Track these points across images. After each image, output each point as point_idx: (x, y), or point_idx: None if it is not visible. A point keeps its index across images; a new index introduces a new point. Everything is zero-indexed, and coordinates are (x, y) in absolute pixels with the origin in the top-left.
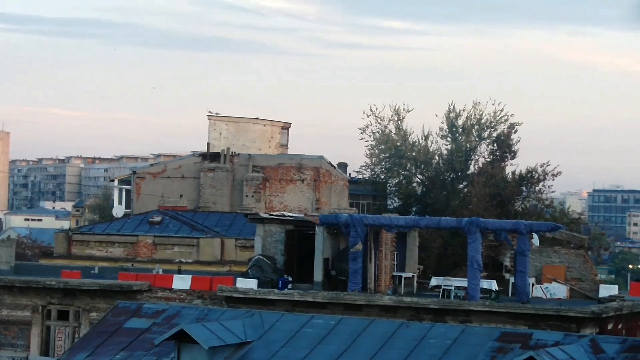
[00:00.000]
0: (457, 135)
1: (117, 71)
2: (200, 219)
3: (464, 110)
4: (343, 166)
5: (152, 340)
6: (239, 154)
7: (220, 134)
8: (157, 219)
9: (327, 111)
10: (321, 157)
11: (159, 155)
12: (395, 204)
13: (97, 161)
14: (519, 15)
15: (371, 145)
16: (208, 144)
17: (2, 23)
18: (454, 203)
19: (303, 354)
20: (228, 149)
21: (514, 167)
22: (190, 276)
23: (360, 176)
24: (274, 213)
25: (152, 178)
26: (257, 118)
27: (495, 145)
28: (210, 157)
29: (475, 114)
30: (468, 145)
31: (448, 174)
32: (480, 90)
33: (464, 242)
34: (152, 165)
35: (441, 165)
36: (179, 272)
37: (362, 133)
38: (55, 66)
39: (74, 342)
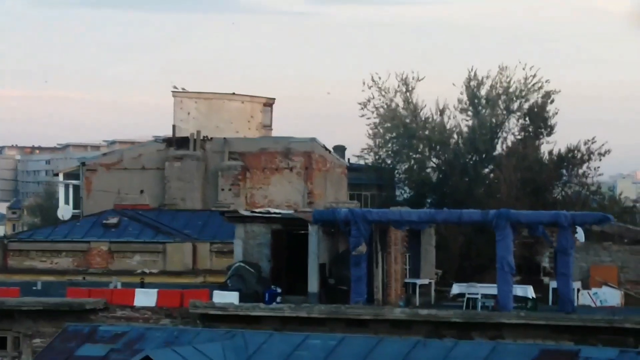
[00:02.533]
0: (480, 108)
1: (57, 38)
2: (167, 220)
3: (487, 77)
4: (340, 150)
5: None
6: (211, 138)
7: (189, 114)
8: (113, 220)
9: (318, 83)
10: (313, 140)
11: (113, 142)
12: (405, 195)
13: (37, 151)
14: None
15: (374, 123)
16: (174, 126)
17: None
18: (478, 192)
19: None
20: (198, 132)
21: (551, 145)
22: (155, 290)
23: (361, 162)
24: (257, 210)
25: (105, 170)
26: (234, 93)
27: (527, 119)
28: (177, 142)
29: (501, 82)
30: (494, 120)
31: (470, 156)
32: (507, 52)
33: (492, 240)
34: (105, 154)
35: (461, 145)
36: (142, 285)
37: (362, 109)
38: None
39: None
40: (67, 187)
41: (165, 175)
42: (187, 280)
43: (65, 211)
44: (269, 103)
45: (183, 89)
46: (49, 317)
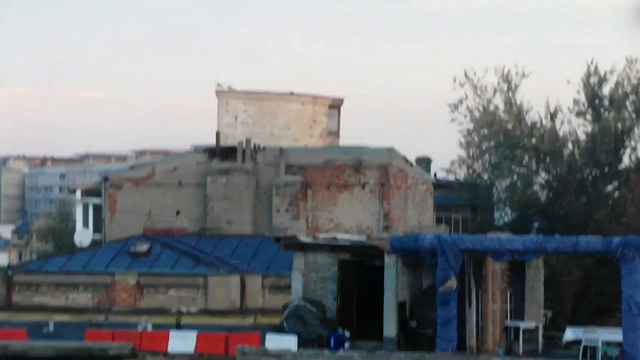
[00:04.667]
0: (602, 110)
1: (75, 27)
2: (209, 247)
3: (611, 73)
4: (425, 162)
5: None
6: (264, 147)
7: (236, 118)
8: (143, 248)
9: (396, 80)
10: (391, 150)
11: (142, 153)
12: (506, 218)
13: (49, 162)
14: None
15: (467, 129)
16: (217, 133)
17: None
18: (598, 215)
19: None
20: (248, 140)
21: None
22: (195, 333)
23: (451, 177)
24: (321, 236)
25: (133, 186)
26: (292, 93)
27: None
28: (222, 153)
29: (629, 78)
30: (619, 125)
31: (588, 170)
32: (637, 41)
33: (616, 275)
34: (132, 167)
35: (577, 157)
36: (178, 327)
37: (453, 111)
38: None
39: None
40: (85, 206)
41: (207, 193)
42: (233, 322)
43: (83, 236)
44: (335, 105)
45: (229, 87)
46: None
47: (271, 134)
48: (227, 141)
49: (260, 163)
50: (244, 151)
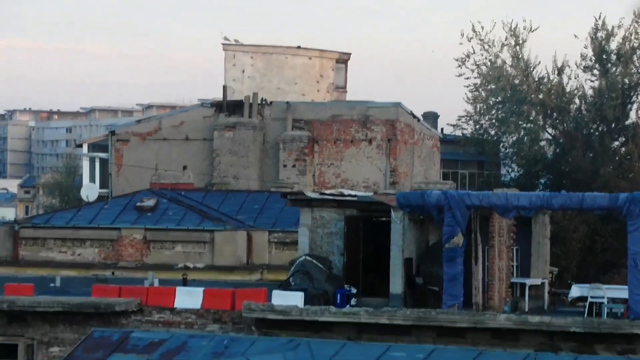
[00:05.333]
0: (610, 65)
1: None
2: (215, 202)
3: (619, 27)
4: (432, 117)
5: None
6: (271, 102)
7: (243, 72)
8: (150, 203)
9: (404, 34)
10: (398, 105)
11: (149, 107)
12: (513, 174)
13: (55, 116)
14: None
15: (474, 84)
16: (224, 87)
17: None
18: (605, 170)
19: None
20: (255, 94)
21: None
22: (201, 289)
23: (458, 132)
24: (328, 191)
25: (139, 141)
26: (299, 47)
27: None
28: (228, 107)
29: (637, 32)
30: (626, 80)
31: (595, 125)
32: None
33: (622, 231)
34: (139, 121)
35: (584, 112)
36: (185, 283)
37: (460, 66)
38: None
39: None
40: (92, 161)
41: (214, 148)
42: (240, 278)
43: (90, 191)
44: (342, 59)
45: (236, 40)
46: (70, 320)
47: (278, 89)
48: (234, 95)
49: (267, 117)
50: (250, 105)
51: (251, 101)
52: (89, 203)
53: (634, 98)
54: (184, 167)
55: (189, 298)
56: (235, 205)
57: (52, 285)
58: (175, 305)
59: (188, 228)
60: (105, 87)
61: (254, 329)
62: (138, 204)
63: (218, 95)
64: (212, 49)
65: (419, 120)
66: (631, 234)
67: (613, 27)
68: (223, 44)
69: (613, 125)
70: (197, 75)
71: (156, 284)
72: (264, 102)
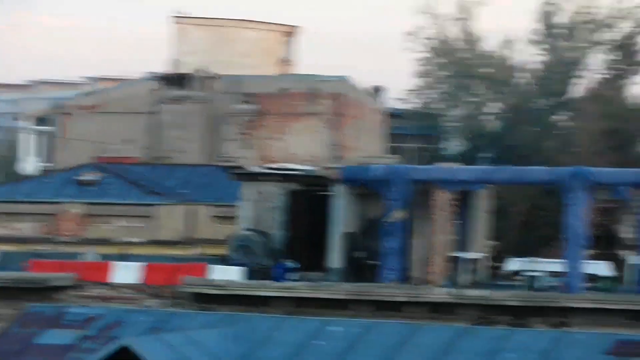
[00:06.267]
0: (557, 40)
1: None
2: (159, 177)
3: (567, 2)
4: (379, 92)
5: None
6: (219, 75)
7: (193, 45)
8: (91, 177)
9: (353, 7)
10: (344, 79)
11: (94, 80)
12: (459, 148)
13: None
14: None
15: (423, 58)
16: (174, 60)
17: None
18: (548, 145)
19: None
20: (203, 68)
21: None
22: (140, 264)
23: (405, 106)
24: (272, 165)
25: (84, 114)
26: (248, 20)
27: (614, 54)
28: (175, 80)
29: (584, 7)
30: (573, 55)
31: (541, 100)
32: None
33: (562, 205)
34: (84, 94)
35: (530, 86)
36: (124, 257)
37: (409, 40)
38: None
39: None
40: (35, 134)
41: (160, 122)
42: (180, 252)
43: (30, 164)
44: (290, 33)
45: (186, 14)
46: (6, 295)
47: (227, 62)
48: (183, 69)
49: (214, 91)
50: (198, 79)
51: (199, 74)
52: (30, 177)
53: (579, 73)
54: (129, 141)
55: (127, 273)
56: (179, 179)
57: None
58: (113, 280)
59: (129, 202)
60: (50, 59)
61: (192, 304)
62: (79, 178)
63: (166, 69)
64: (162, 22)
65: (365, 94)
66: (569, 208)
67: (560, 2)
68: (173, 17)
69: (558, 99)
70: (145, 48)
71: (96, 258)
72: (211, 76)
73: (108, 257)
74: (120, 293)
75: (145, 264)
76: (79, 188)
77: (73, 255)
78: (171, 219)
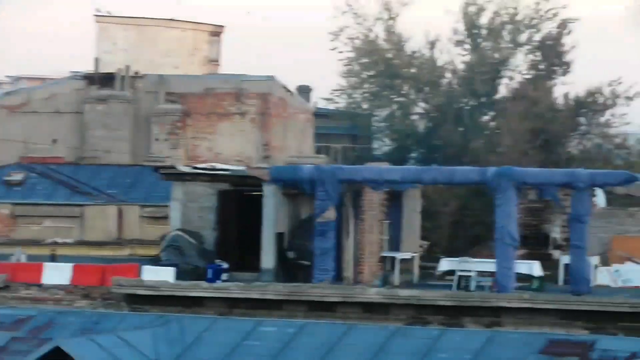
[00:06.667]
0: (480, 40)
1: None
2: (86, 177)
3: (489, 2)
4: (305, 91)
5: None
6: (144, 74)
7: (116, 44)
8: (17, 177)
9: (278, 7)
10: (271, 79)
11: (17, 79)
12: (386, 148)
13: None
14: None
15: (348, 58)
16: (96, 59)
17: None
18: (475, 144)
19: None
20: (128, 67)
21: (567, 87)
22: (70, 265)
23: (331, 106)
24: (200, 165)
25: (8, 114)
26: (172, 19)
27: (538, 54)
28: (100, 80)
29: (507, 8)
30: (497, 55)
31: (466, 100)
32: None
33: (491, 205)
34: (6, 93)
35: (455, 87)
36: (53, 258)
37: (334, 40)
38: None
39: None
40: None
41: (85, 121)
42: (110, 253)
43: None
44: (216, 32)
45: (108, 12)
46: None
47: (151, 61)
48: (106, 68)
49: (139, 91)
50: (123, 78)
51: (123, 74)
52: None
53: (503, 73)
54: (54, 141)
55: (57, 274)
56: (106, 179)
57: None
58: (43, 281)
59: (57, 203)
60: None
61: (123, 305)
62: (5, 178)
63: (90, 68)
64: (85, 21)
65: (292, 93)
66: (499, 208)
67: (484, 2)
68: (95, 16)
69: (483, 99)
70: (69, 47)
71: (24, 259)
72: (136, 75)
73: (37, 258)
74: (51, 294)
75: (75, 264)
76: (5, 188)
77: (2, 257)
78: (101, 220)
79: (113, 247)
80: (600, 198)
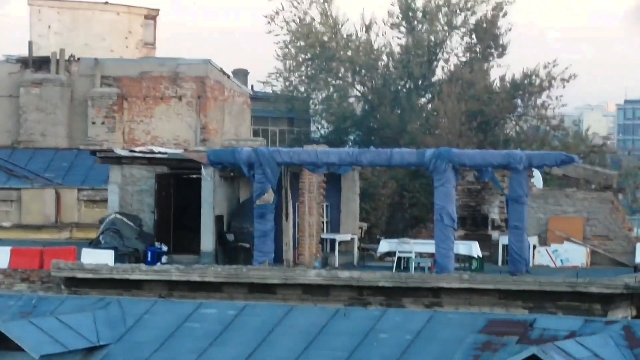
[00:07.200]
0: (416, 23)
1: None
2: (22, 160)
3: None
4: (242, 74)
5: None
6: (79, 58)
7: (49, 27)
8: None
9: None
10: (207, 62)
11: None
12: (323, 131)
13: None
14: None
15: (284, 41)
16: (30, 43)
17: None
18: (412, 127)
19: None
20: (62, 50)
21: (503, 69)
22: (8, 248)
23: (268, 89)
24: (138, 149)
25: None
26: (106, 2)
27: (473, 37)
28: (35, 63)
29: None
30: (432, 38)
31: (403, 82)
32: None
33: (429, 186)
34: None
35: (392, 69)
36: None
37: (269, 23)
38: None
39: None
40: None
41: (20, 105)
42: (48, 236)
43: None
44: (151, 15)
45: None
46: None
47: (86, 45)
48: (40, 51)
49: (74, 74)
50: (57, 62)
51: (58, 57)
52: None
53: (439, 55)
54: None
55: None
56: (43, 163)
57: None
58: None
59: None
60: None
61: (63, 288)
62: None
63: (24, 52)
64: (18, 4)
65: (229, 77)
66: (437, 189)
67: None
68: None
69: (420, 82)
70: (2, 31)
71: None
72: (71, 59)
73: None
74: None
75: (13, 248)
76: None
77: None
78: (38, 203)
79: (51, 231)
80: (537, 179)
